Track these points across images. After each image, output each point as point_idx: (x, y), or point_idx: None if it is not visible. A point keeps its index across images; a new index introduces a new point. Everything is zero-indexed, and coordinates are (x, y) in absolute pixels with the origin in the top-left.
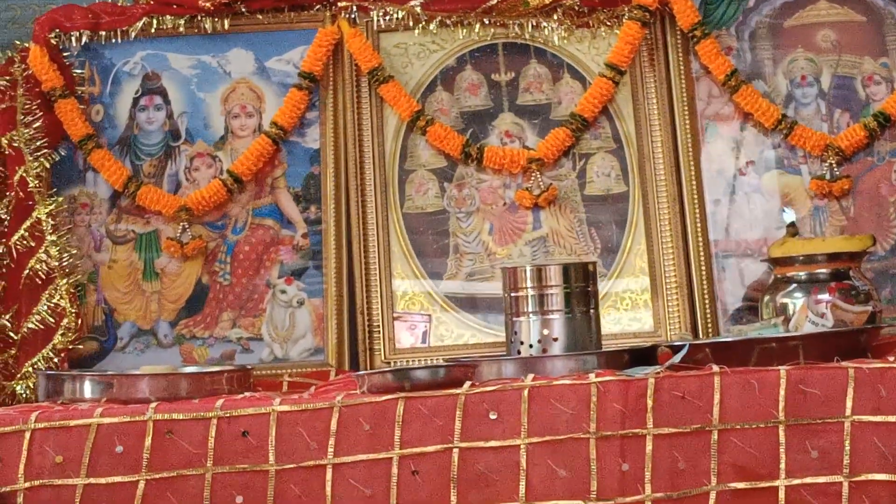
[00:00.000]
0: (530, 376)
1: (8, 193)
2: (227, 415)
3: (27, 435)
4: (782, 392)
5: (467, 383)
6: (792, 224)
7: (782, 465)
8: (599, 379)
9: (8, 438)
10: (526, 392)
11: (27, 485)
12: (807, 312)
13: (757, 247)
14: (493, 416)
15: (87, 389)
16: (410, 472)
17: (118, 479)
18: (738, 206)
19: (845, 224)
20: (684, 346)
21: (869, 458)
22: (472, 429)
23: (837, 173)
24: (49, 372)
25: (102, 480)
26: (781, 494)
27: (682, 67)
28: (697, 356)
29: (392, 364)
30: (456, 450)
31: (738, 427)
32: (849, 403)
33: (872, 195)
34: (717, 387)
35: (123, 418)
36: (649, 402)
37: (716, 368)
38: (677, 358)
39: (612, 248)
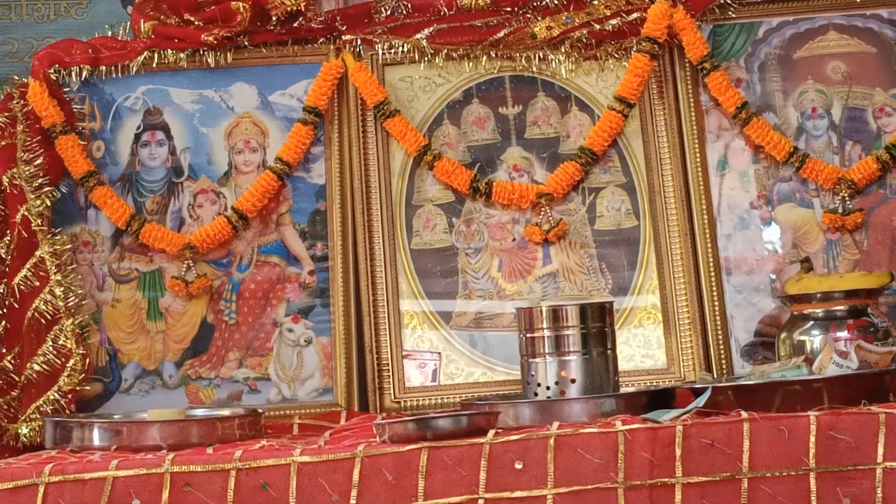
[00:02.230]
0: (555, 424)
1: (8, 232)
2: (247, 466)
3: (41, 489)
4: (812, 439)
5: (491, 432)
6: (807, 259)
7: None
8: (626, 427)
9: (22, 493)
10: (552, 441)
11: None
12: (831, 353)
13: (769, 281)
14: (518, 466)
15: (96, 436)
16: None
17: None
18: (749, 239)
19: (859, 258)
20: (707, 388)
21: None
22: (497, 479)
23: (850, 206)
24: (56, 418)
25: None
26: None
27: (691, 100)
28: (719, 398)
29: (402, 404)
30: (481, 501)
31: (769, 475)
32: (880, 450)
33: (885, 228)
34: (746, 433)
35: (140, 471)
36: (678, 451)
37: (744, 415)
38: (701, 401)
39: (624, 284)
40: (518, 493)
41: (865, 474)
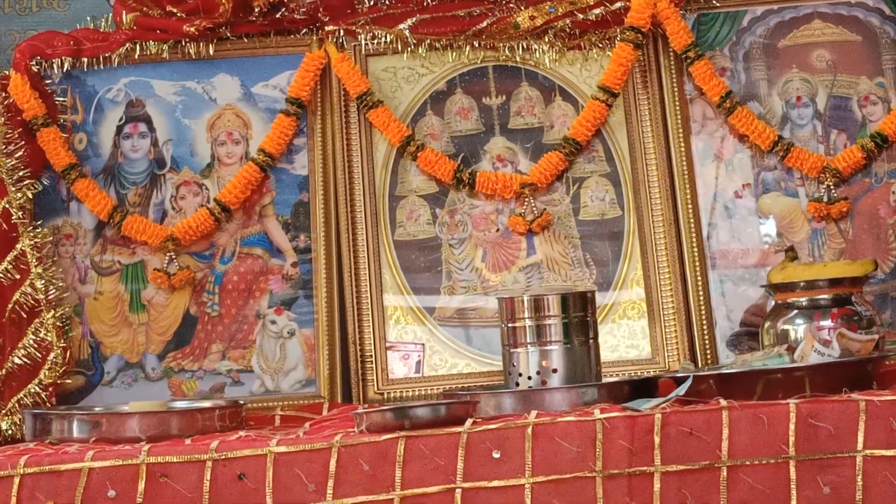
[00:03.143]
0: (534, 413)
1: None
2: (223, 457)
3: (16, 480)
4: (792, 426)
5: (469, 421)
6: (791, 248)
7: (793, 502)
8: (605, 415)
9: None
10: (530, 430)
11: None
12: (813, 342)
13: (755, 270)
14: (496, 455)
15: (76, 428)
16: None
17: None
18: (734, 229)
19: (844, 247)
20: (688, 377)
21: (882, 494)
22: (475, 468)
23: (835, 195)
24: (36, 411)
25: None
26: None
27: (675, 89)
28: (701, 387)
29: (386, 396)
30: (458, 490)
31: (748, 463)
32: (860, 437)
33: (871, 217)
34: (725, 422)
35: (115, 462)
36: (656, 439)
37: (723, 402)
38: (682, 390)
39: (608, 274)
40: (496, 483)
41: (845, 462)
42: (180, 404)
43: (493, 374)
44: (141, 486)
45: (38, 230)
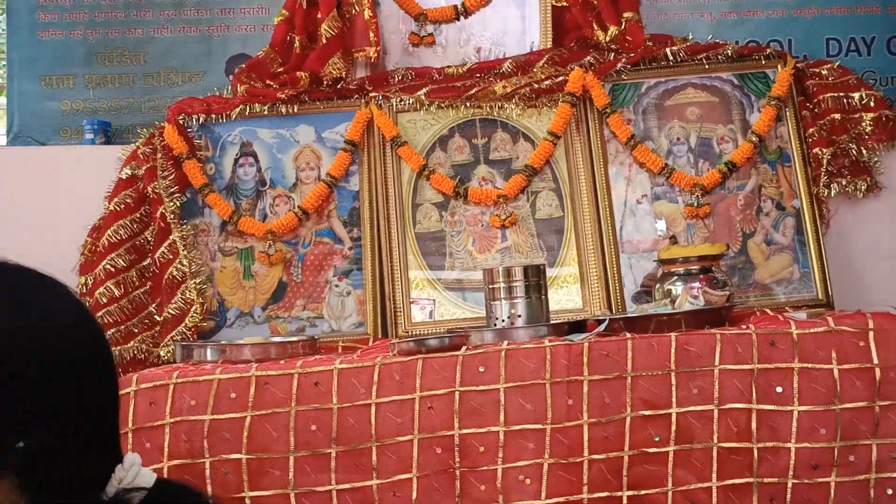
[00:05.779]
0: (505, 343)
1: (152, 224)
2: (305, 371)
3: (171, 387)
4: (673, 350)
5: (464, 348)
6: (673, 237)
7: (674, 399)
8: (551, 344)
9: (159, 389)
10: (503, 353)
11: (172, 420)
12: (687, 296)
13: (650, 253)
14: (481, 370)
15: (209, 354)
16: (427, 408)
17: (233, 415)
18: (637, 225)
19: (707, 235)
20: (605, 320)
21: (731, 393)
22: (468, 378)
23: (702, 202)
24: (183, 343)
25: (222, 416)
26: (673, 418)
27: (598, 133)
28: (614, 326)
29: (410, 333)
30: (457, 392)
31: (644, 374)
32: (717, 357)
33: (725, 216)
34: (629, 348)
35: (234, 375)
36: (585, 359)
37: (628, 336)
38: (601, 328)
39: (555, 255)
40: (481, 387)
41: (708, 373)
42: (276, 339)
43: (480, 319)
44: (252, 390)
45: (183, 227)
